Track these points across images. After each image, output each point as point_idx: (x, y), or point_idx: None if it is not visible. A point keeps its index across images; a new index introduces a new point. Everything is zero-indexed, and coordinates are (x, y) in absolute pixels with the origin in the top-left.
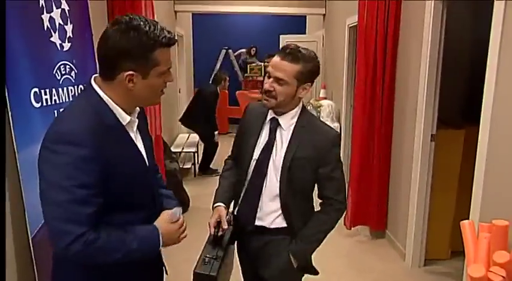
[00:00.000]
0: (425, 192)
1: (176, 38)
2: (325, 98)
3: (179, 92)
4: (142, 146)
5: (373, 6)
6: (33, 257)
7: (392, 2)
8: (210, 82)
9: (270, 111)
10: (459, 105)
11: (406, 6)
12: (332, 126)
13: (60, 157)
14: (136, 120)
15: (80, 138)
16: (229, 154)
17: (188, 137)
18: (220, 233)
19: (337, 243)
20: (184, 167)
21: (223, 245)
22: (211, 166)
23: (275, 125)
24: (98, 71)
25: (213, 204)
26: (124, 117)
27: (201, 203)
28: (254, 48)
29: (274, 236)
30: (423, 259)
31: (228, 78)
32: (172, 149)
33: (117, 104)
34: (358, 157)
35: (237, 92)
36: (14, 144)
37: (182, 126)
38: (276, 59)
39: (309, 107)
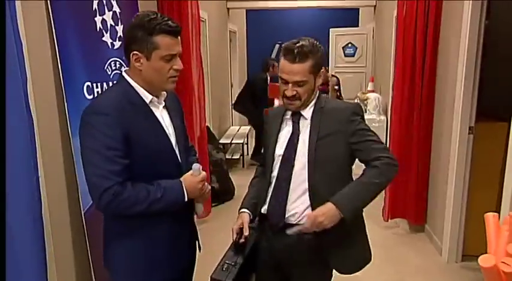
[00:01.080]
0: (462, 187)
1: (228, 34)
2: (373, 91)
3: (231, 86)
4: (171, 124)
5: None
6: (84, 227)
7: None
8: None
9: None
10: (504, 97)
11: None
12: (379, 119)
13: (91, 125)
14: (163, 102)
15: (104, 109)
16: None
17: (238, 129)
18: (242, 240)
19: (373, 234)
20: (233, 157)
21: (245, 252)
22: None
23: (298, 117)
24: None
25: (239, 210)
26: (147, 96)
27: (245, 192)
28: None
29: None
30: (460, 255)
31: (276, 64)
32: (222, 140)
33: (141, 87)
34: (396, 148)
35: None
36: (69, 131)
37: (234, 119)
38: (288, 64)
39: (355, 100)
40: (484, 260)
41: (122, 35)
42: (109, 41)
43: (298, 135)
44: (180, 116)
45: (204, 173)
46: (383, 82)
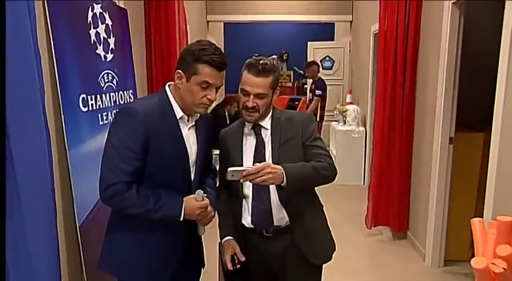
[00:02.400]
0: (444, 194)
1: None
2: (351, 103)
3: None
4: (195, 144)
5: (393, 11)
6: (79, 240)
7: (413, 5)
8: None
9: (246, 123)
10: (480, 108)
11: (426, 9)
12: (357, 130)
13: (118, 123)
14: (193, 122)
15: (134, 113)
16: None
17: None
18: (238, 265)
19: (357, 242)
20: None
21: (246, 275)
22: None
23: (259, 128)
24: (136, 79)
25: (222, 239)
26: (178, 112)
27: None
28: (286, 54)
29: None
30: (443, 260)
31: (235, 104)
32: None
33: (177, 103)
34: (379, 158)
35: None
36: (66, 143)
37: None
38: (251, 77)
39: (334, 112)
40: (476, 262)
41: (113, 48)
42: (102, 53)
43: (264, 144)
44: (208, 140)
45: (207, 200)
46: (360, 94)
